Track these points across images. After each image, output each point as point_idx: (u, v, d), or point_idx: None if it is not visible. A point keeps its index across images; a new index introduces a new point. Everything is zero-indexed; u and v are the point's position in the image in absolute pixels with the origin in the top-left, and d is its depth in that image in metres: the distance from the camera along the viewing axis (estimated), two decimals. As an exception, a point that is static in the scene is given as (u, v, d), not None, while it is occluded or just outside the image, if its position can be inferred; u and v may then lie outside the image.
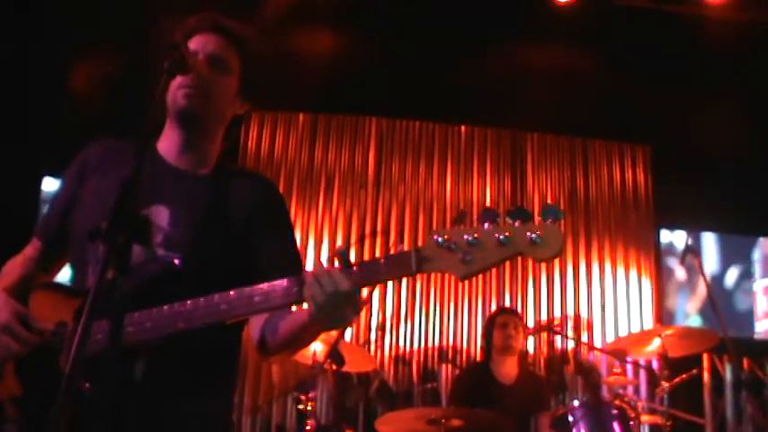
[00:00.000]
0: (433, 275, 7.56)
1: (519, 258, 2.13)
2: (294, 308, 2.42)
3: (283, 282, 2.26)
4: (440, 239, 2.13)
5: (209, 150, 2.73)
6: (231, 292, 2.28)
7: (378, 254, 7.56)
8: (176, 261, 2.45)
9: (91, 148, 2.79)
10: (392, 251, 6.90)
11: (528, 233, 2.08)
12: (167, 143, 2.70)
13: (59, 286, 2.68)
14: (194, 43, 2.65)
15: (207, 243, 2.53)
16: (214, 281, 2.32)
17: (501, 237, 2.09)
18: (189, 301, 2.29)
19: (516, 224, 2.10)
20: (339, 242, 7.57)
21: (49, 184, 7.09)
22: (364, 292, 7.20)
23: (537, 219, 2.11)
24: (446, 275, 7.43)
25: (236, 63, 2.72)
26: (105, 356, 1.92)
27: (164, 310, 2.30)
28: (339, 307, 2.19)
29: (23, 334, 2.44)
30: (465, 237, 2.11)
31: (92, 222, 1.98)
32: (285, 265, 2.47)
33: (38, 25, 6.96)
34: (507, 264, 7.62)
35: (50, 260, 2.78)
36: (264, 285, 2.27)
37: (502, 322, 6.45)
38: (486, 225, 2.12)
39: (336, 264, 2.22)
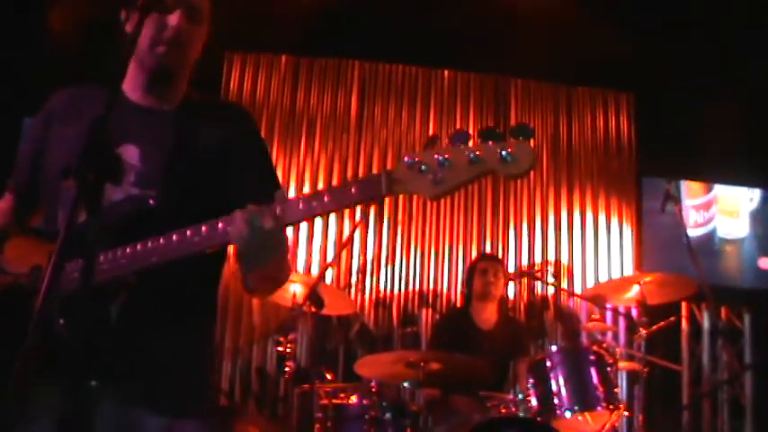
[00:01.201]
0: (414, 218, 7.59)
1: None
2: None
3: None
4: (410, 161, 2.10)
5: (174, 90, 2.71)
6: (203, 227, 2.28)
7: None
8: (150, 201, 2.43)
9: (54, 98, 2.77)
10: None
11: (499, 150, 2.05)
12: (132, 84, 2.66)
13: (33, 233, 2.66)
14: None
15: (179, 178, 2.52)
16: (188, 216, 2.31)
17: (471, 155, 2.06)
18: (162, 237, 2.29)
19: (488, 143, 2.07)
20: (321, 186, 7.54)
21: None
22: (345, 233, 7.08)
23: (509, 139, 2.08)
24: (428, 218, 7.45)
25: (207, 9, 2.67)
26: (79, 294, 1.91)
27: (137, 246, 2.30)
28: (261, 244, 2.21)
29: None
30: (436, 157, 2.08)
31: (61, 167, 1.95)
32: (261, 192, 2.45)
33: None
34: (489, 208, 7.71)
35: (23, 212, 2.76)
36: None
37: (482, 268, 6.48)
38: (457, 146, 2.09)
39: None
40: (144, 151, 2.54)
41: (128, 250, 2.30)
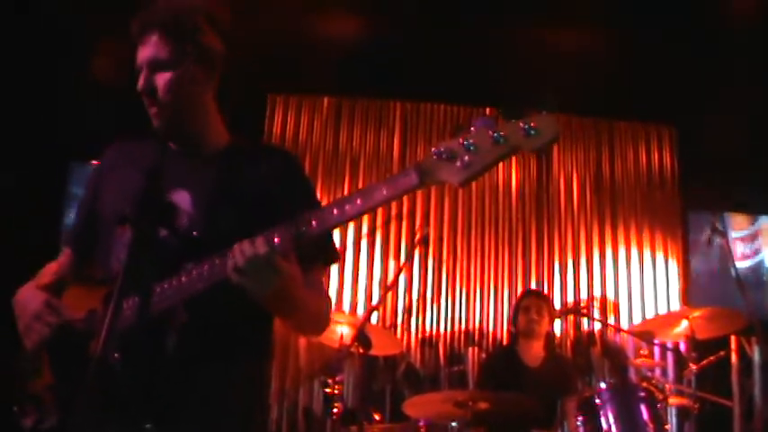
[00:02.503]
0: (459, 257, 7.59)
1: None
2: None
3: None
4: (437, 150, 2.13)
5: (208, 129, 2.72)
6: None
7: (403, 237, 7.58)
8: (194, 233, 2.48)
9: (106, 152, 2.86)
10: (418, 236, 6.95)
11: (522, 126, 2.07)
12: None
13: (87, 280, 2.72)
14: (138, 56, 2.63)
15: (221, 221, 2.54)
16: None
17: (495, 135, 2.07)
18: (205, 263, 2.33)
19: (511, 121, 2.09)
20: (365, 226, 7.58)
21: (77, 170, 7.17)
22: (390, 274, 7.02)
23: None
24: (473, 256, 7.42)
25: (176, 49, 2.57)
26: (133, 332, 1.95)
27: (182, 277, 2.34)
28: (258, 272, 2.21)
29: (53, 319, 2.48)
30: (461, 142, 2.10)
31: (115, 212, 2.00)
32: None
33: (62, 9, 6.97)
34: (533, 245, 7.69)
35: (80, 266, 2.83)
36: None
37: (526, 306, 6.46)
38: (481, 129, 2.10)
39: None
40: (194, 196, 2.58)
41: (174, 282, 2.34)
